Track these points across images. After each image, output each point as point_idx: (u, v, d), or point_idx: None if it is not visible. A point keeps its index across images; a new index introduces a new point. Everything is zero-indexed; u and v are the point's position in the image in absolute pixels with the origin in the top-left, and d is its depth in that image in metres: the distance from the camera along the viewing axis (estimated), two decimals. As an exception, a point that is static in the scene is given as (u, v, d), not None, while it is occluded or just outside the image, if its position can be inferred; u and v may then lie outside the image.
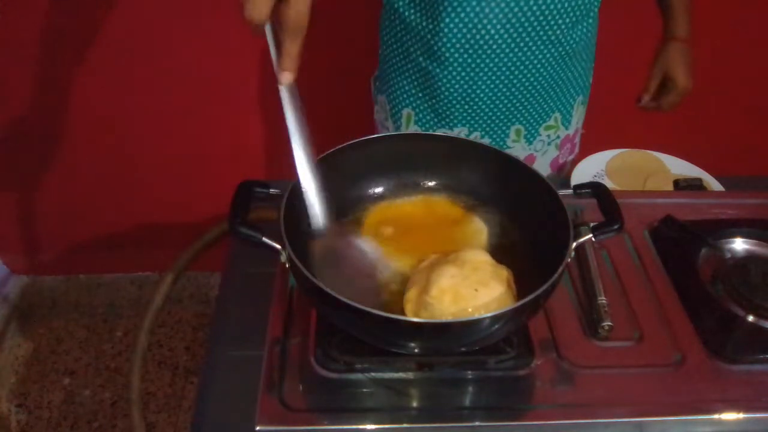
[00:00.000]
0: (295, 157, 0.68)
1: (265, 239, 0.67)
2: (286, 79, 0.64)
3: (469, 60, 0.98)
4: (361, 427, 0.68)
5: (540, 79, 1.02)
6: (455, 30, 0.95)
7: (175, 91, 1.54)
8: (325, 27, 1.41)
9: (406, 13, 1.00)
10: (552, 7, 0.93)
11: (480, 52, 0.97)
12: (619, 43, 1.31)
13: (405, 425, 0.69)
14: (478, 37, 0.95)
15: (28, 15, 1.39)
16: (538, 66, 1.00)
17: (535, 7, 0.93)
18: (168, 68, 1.50)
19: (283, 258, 0.67)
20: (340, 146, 0.78)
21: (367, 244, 0.78)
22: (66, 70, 1.48)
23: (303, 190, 0.69)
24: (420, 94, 1.07)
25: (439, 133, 1.07)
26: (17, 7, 1.38)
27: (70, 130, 1.58)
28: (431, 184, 0.87)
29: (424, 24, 0.99)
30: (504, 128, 1.08)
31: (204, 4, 1.41)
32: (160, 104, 1.56)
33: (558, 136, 1.14)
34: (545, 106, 1.07)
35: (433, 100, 1.06)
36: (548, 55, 1.00)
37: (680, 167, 1.21)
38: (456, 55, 0.98)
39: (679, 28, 1.13)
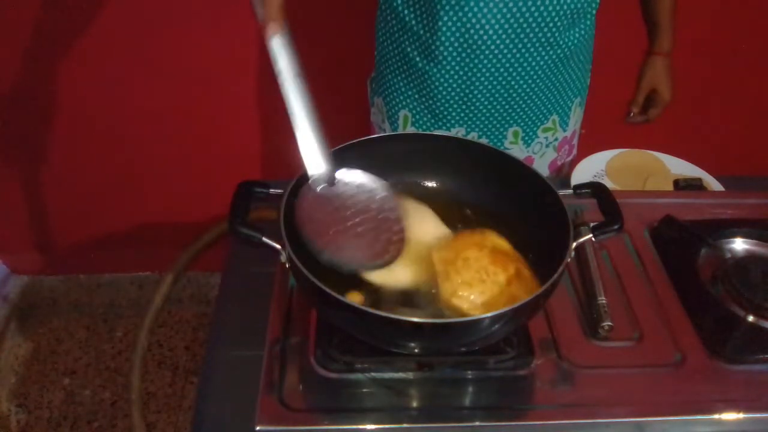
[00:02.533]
0: (288, 102, 0.66)
1: (265, 239, 0.67)
2: (273, 29, 0.63)
3: (467, 60, 0.98)
4: (361, 427, 0.68)
5: (537, 81, 1.02)
6: (453, 29, 0.95)
7: (175, 91, 1.54)
8: (321, 28, 1.41)
9: (404, 13, 1.00)
10: (550, 8, 0.94)
11: (477, 52, 0.97)
12: (619, 44, 1.31)
13: (405, 425, 0.69)
14: (476, 37, 0.95)
15: (28, 14, 1.39)
16: (536, 68, 1.00)
17: (533, 8, 0.93)
18: (168, 68, 1.50)
19: (283, 258, 0.67)
20: (340, 146, 0.78)
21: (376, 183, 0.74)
22: (66, 70, 1.48)
23: (296, 131, 0.67)
24: (417, 96, 1.07)
25: (438, 133, 1.07)
26: (16, 6, 1.38)
27: (70, 130, 1.58)
28: (431, 184, 0.87)
29: (421, 24, 0.99)
30: (501, 130, 1.08)
31: (205, 4, 1.41)
32: (160, 104, 1.56)
33: (556, 138, 1.14)
34: (543, 108, 1.07)
35: (430, 102, 1.06)
36: (546, 57, 1.00)
37: (680, 167, 1.21)
38: (454, 54, 0.98)
39: (664, 43, 1.17)
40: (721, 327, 0.79)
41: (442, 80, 1.02)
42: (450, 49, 0.98)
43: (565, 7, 0.94)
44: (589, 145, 1.24)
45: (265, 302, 0.80)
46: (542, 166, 1.16)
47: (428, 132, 1.09)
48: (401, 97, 1.09)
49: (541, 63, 1.00)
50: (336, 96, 1.47)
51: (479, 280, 0.71)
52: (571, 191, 0.79)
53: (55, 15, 1.39)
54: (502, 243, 0.76)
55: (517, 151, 1.11)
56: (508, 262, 0.73)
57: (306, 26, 1.39)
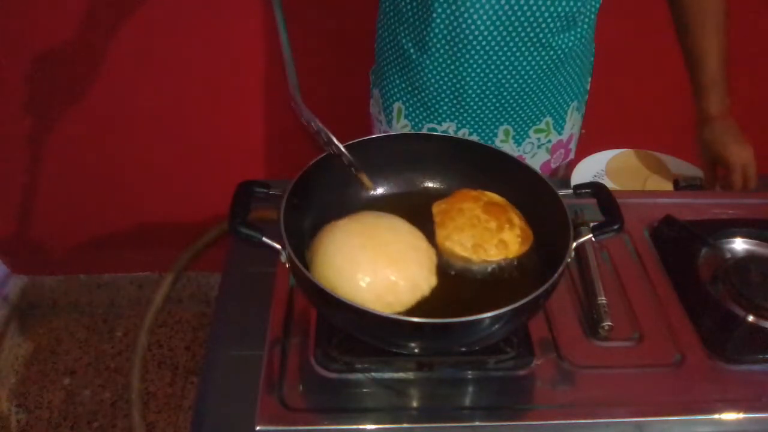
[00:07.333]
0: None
1: (265, 239, 0.67)
2: None
3: (458, 53, 0.98)
4: (361, 427, 0.68)
5: (529, 81, 1.02)
6: (445, 19, 0.96)
7: (176, 91, 1.54)
8: (327, 20, 1.41)
9: (402, 4, 1.01)
10: (543, 9, 0.93)
11: (468, 46, 0.97)
12: (619, 43, 1.31)
13: (405, 425, 0.69)
14: (467, 31, 0.95)
15: (28, 15, 1.39)
16: (527, 68, 1.00)
17: (525, 8, 0.93)
18: (168, 68, 1.50)
19: (283, 258, 0.67)
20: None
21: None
22: (66, 69, 1.48)
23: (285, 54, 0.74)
24: (410, 89, 1.08)
25: (438, 133, 1.07)
26: (17, 5, 1.38)
27: (70, 130, 1.58)
28: (431, 184, 0.87)
29: (416, 15, 0.99)
30: (492, 127, 1.08)
31: (205, 4, 1.41)
32: (161, 104, 1.56)
33: (549, 140, 1.13)
34: (535, 109, 1.07)
35: (422, 95, 1.06)
36: (538, 58, 0.99)
37: (680, 167, 1.21)
38: (446, 47, 0.98)
39: (712, 105, 1.00)
40: (721, 327, 0.79)
41: (433, 72, 1.02)
42: (440, 36, 0.98)
43: (559, 9, 0.94)
44: (589, 145, 1.24)
45: (265, 302, 0.80)
46: (534, 167, 1.15)
47: (418, 126, 1.10)
48: (395, 89, 1.10)
49: (533, 64, 1.00)
50: (341, 87, 1.47)
51: (470, 226, 0.77)
52: (571, 191, 0.79)
53: (55, 15, 1.39)
54: (499, 198, 0.81)
55: (507, 149, 1.11)
56: (500, 213, 0.78)
57: (315, 17, 1.40)
